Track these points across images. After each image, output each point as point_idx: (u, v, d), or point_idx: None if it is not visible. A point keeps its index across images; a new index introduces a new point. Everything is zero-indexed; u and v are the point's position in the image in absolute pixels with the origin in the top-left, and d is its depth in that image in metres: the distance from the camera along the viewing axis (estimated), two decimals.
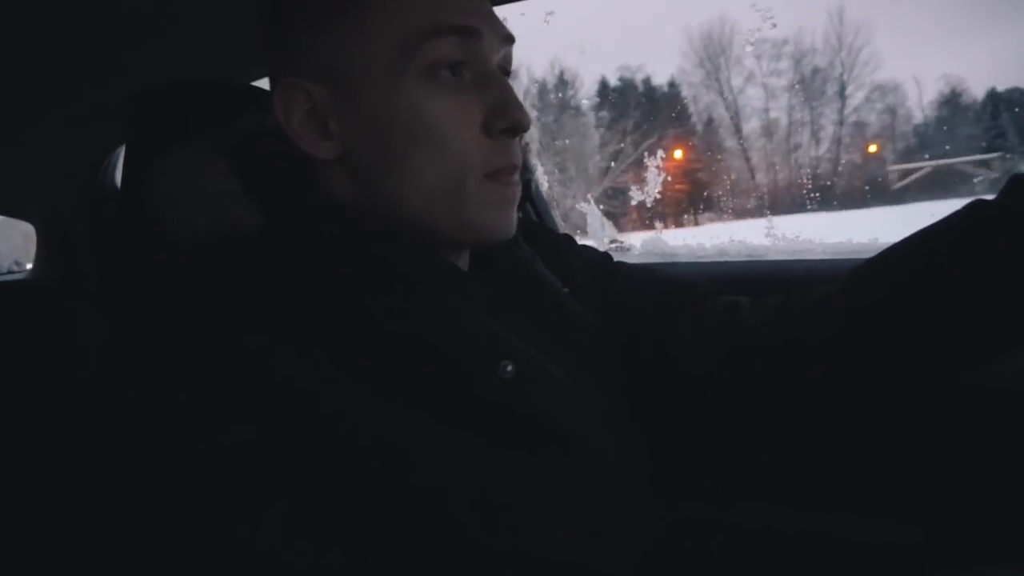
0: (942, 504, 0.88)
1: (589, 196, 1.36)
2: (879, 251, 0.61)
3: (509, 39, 0.57)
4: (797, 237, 1.25)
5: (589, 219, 1.39)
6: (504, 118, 0.53)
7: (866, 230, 1.18)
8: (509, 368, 0.51)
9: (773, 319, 0.64)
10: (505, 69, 0.58)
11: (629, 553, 0.57)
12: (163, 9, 0.98)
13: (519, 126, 0.54)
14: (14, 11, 0.91)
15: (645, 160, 1.35)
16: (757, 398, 0.66)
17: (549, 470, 0.53)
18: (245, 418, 0.43)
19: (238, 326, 0.45)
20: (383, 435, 0.46)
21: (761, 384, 0.65)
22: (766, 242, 1.26)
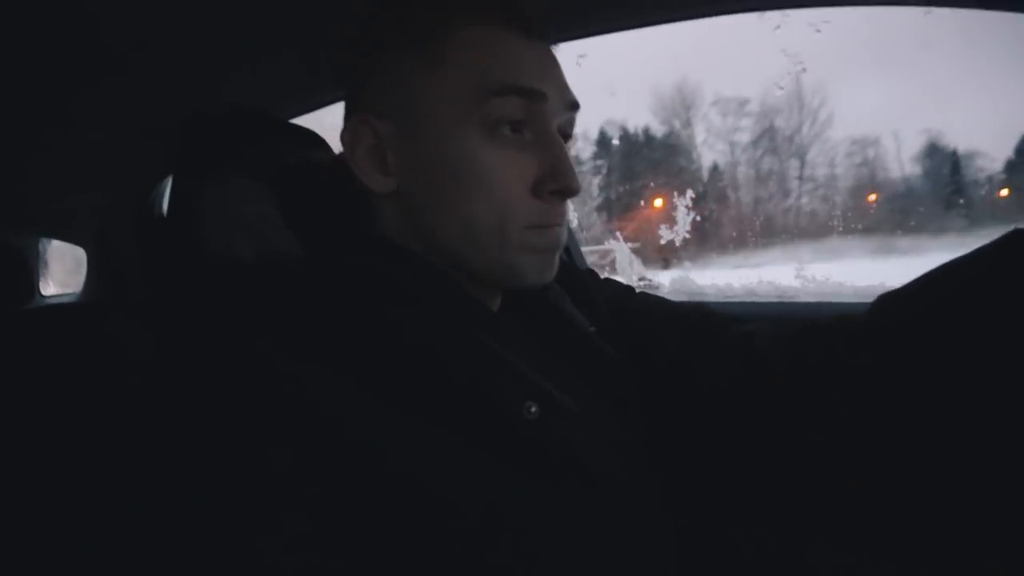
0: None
1: (618, 234, 1.38)
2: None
3: (575, 106, 0.60)
4: (827, 280, 1.25)
5: (618, 256, 1.41)
6: (555, 180, 0.56)
7: None
8: (533, 409, 0.53)
9: (791, 343, 0.66)
10: (566, 133, 0.60)
11: None
12: (212, 40, 1.04)
13: (568, 191, 0.56)
14: (66, 37, 0.97)
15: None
16: (770, 420, 0.67)
17: (570, 504, 0.53)
18: (280, 438, 0.44)
19: (280, 349, 0.47)
20: (411, 462, 0.47)
21: (773, 406, 0.66)
22: (796, 283, 1.26)
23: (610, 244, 1.39)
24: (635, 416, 0.66)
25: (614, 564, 0.55)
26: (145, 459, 0.46)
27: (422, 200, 0.56)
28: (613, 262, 1.41)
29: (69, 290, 2.18)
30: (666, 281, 1.37)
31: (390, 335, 0.51)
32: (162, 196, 1.60)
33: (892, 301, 0.62)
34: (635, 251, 1.38)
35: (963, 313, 0.55)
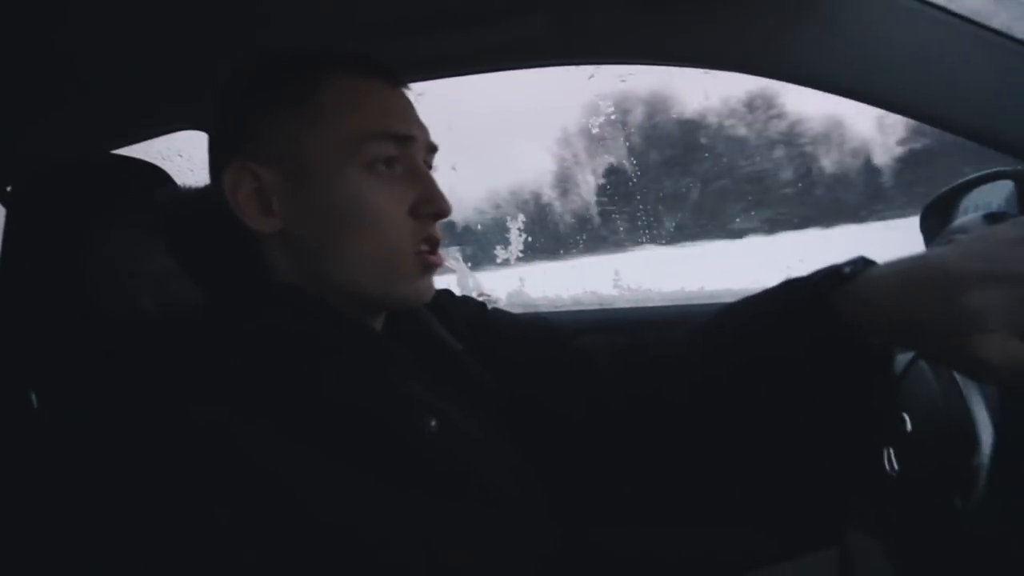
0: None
1: (457, 254, 1.49)
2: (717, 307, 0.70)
3: (435, 148, 0.68)
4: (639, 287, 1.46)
5: (458, 275, 1.52)
6: (429, 204, 0.63)
7: None
8: (433, 423, 0.58)
9: (622, 361, 0.74)
10: (429, 163, 0.68)
11: None
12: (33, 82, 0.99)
13: (442, 212, 0.64)
14: None
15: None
16: (612, 428, 0.73)
17: (474, 513, 0.59)
18: (220, 496, 0.45)
19: (193, 401, 0.48)
20: (330, 492, 0.50)
21: (615, 416, 0.72)
22: (614, 292, 1.45)
23: (450, 263, 1.50)
24: (508, 429, 0.72)
25: (512, 566, 0.61)
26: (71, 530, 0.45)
27: (313, 239, 0.60)
28: (454, 280, 1.51)
29: None
30: (503, 295, 1.51)
31: (296, 376, 0.54)
32: None
33: (698, 334, 0.69)
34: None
35: (741, 353, 0.62)
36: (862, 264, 0.54)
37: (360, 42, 0.70)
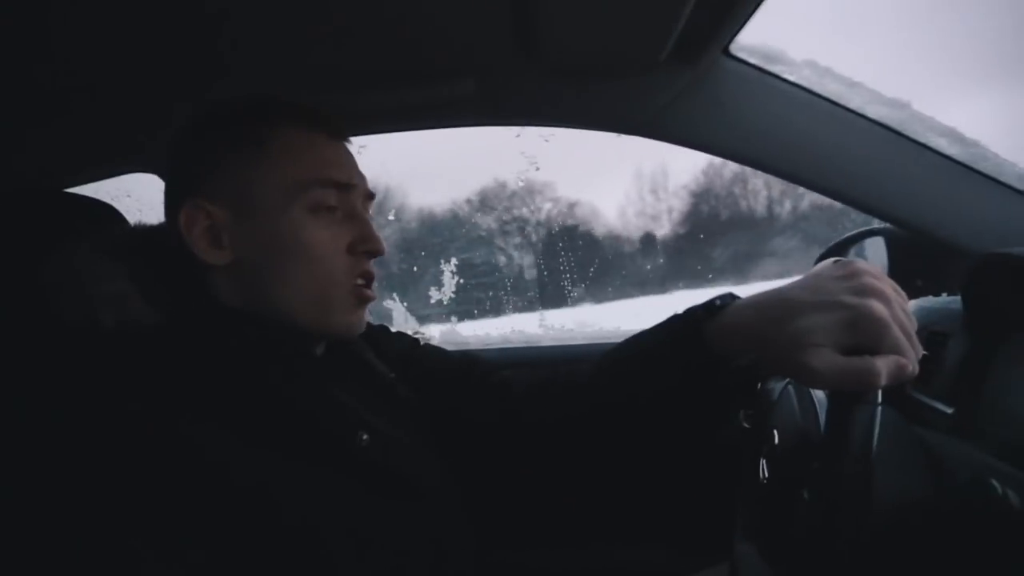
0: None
1: (394, 295, 1.58)
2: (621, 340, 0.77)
3: (372, 195, 0.76)
4: (563, 327, 1.57)
5: (395, 314, 1.61)
6: (364, 244, 0.70)
7: None
8: (364, 437, 0.65)
9: (537, 388, 0.81)
10: (367, 210, 0.75)
11: None
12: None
13: (376, 251, 0.71)
14: None
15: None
16: (526, 449, 0.81)
17: (402, 515, 0.67)
18: (160, 489, 0.51)
19: (147, 408, 0.53)
20: (279, 495, 0.56)
21: (528, 438, 0.80)
22: (539, 331, 1.56)
23: (388, 304, 1.58)
24: (431, 446, 0.80)
25: (436, 564, 0.68)
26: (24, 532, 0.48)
27: (259, 271, 0.67)
28: (391, 319, 1.59)
29: None
30: (436, 333, 1.59)
31: (242, 391, 0.61)
32: None
33: (600, 364, 0.77)
34: (409, 309, 1.59)
35: (632, 380, 0.71)
36: (730, 298, 0.65)
37: (298, 95, 0.78)
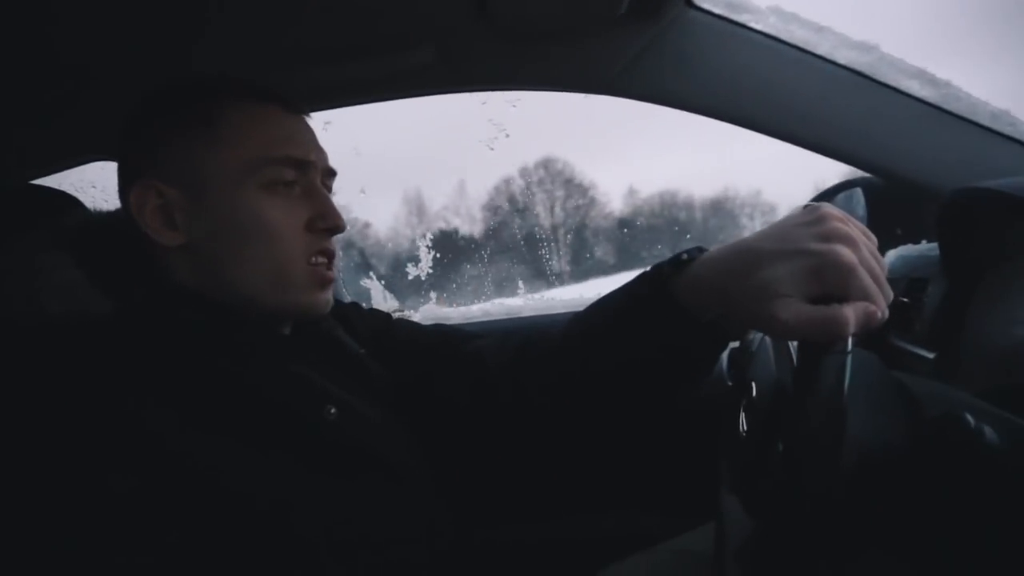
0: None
1: (371, 274, 1.56)
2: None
3: (333, 172, 0.74)
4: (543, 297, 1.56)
5: (373, 292, 1.59)
6: (324, 220, 0.69)
7: None
8: (332, 411, 0.65)
9: (510, 356, 0.80)
10: (328, 186, 0.74)
11: (437, 556, 0.72)
12: None
13: (336, 228, 0.70)
14: None
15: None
16: (502, 419, 0.79)
17: (373, 490, 0.66)
18: (112, 465, 0.51)
19: (91, 396, 0.53)
20: (242, 478, 0.56)
21: (503, 407, 0.78)
22: (520, 302, 1.54)
23: (365, 283, 1.57)
24: (403, 420, 0.79)
25: (411, 538, 0.68)
26: None
27: (215, 253, 0.66)
28: (370, 297, 1.58)
29: None
30: (417, 311, 1.58)
31: (204, 371, 0.60)
32: None
33: (571, 327, 0.76)
34: (388, 287, 1.58)
35: (603, 340, 0.70)
36: (697, 251, 0.63)
37: (258, 73, 0.76)
